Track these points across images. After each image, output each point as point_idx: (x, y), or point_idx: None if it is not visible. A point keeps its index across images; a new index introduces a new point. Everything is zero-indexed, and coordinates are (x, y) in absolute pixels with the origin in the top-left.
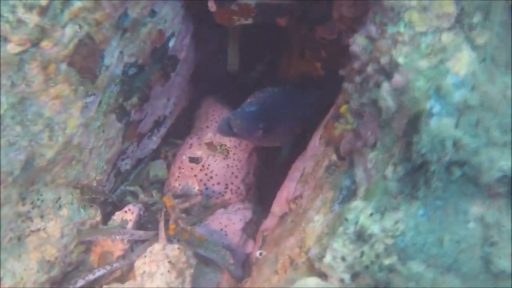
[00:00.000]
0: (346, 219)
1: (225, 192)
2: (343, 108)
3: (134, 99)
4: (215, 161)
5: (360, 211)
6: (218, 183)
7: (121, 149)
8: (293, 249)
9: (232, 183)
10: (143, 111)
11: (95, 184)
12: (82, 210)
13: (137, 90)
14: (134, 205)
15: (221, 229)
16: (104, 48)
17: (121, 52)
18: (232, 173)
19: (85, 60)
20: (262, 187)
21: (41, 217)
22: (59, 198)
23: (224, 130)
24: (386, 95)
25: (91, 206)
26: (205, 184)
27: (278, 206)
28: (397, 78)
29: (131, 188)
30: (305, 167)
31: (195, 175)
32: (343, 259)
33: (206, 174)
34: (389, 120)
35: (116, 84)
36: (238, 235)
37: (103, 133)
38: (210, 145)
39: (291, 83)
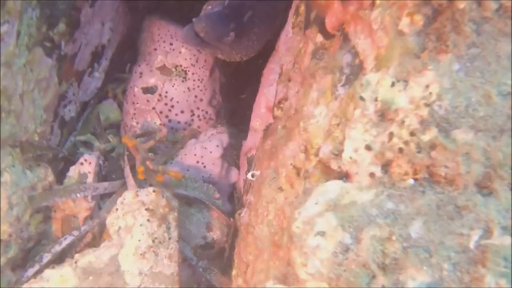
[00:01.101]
0: (362, 98)
1: (192, 120)
2: None
3: (61, 26)
4: (173, 87)
5: (378, 84)
6: (182, 111)
7: (59, 92)
8: (296, 155)
9: (198, 108)
10: (76, 42)
11: (37, 139)
12: (28, 172)
13: (62, 14)
14: (90, 155)
15: (197, 162)
16: None
17: None
18: (196, 96)
19: None
20: (232, 105)
21: None
22: None
23: (190, 37)
24: None
25: (39, 165)
26: (167, 116)
27: (258, 119)
28: None
29: (82, 138)
30: (282, 65)
31: (153, 108)
32: (368, 147)
33: (165, 104)
34: None
35: (34, 7)
36: (218, 164)
37: (32, 73)
38: (163, 69)
39: None
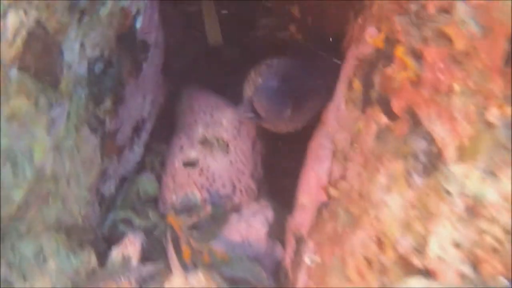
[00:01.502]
0: (448, 192)
1: (234, 193)
2: (400, 51)
3: (107, 103)
4: (214, 160)
5: (465, 177)
6: (224, 185)
7: (101, 169)
8: (367, 246)
9: (239, 182)
10: (119, 117)
11: (81, 221)
12: (72, 257)
13: (109, 91)
14: (133, 235)
15: (242, 239)
16: (61, 40)
17: (82, 45)
18: (238, 169)
19: (41, 60)
20: (274, 178)
21: (24, 278)
22: (41, 249)
23: (248, 116)
24: (465, 16)
25: (82, 249)
26: (208, 190)
27: (307, 196)
28: None
29: (122, 215)
30: (336, 142)
31: (194, 182)
32: (457, 245)
33: (207, 178)
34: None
35: (83, 87)
36: (264, 241)
37: (79, 154)
38: (204, 142)
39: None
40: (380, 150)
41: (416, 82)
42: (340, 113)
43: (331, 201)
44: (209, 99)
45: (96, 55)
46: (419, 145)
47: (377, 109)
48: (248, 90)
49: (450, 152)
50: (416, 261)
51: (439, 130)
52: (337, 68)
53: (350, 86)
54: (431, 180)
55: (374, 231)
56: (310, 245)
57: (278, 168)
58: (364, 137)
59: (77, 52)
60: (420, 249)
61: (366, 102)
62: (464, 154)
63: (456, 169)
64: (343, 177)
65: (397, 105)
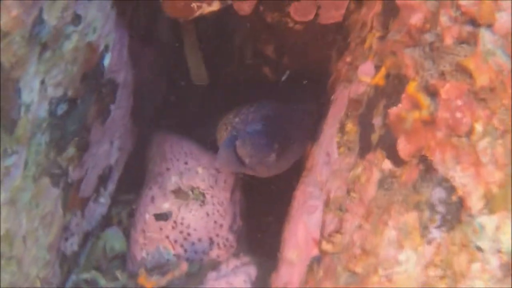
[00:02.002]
0: (479, 248)
1: (211, 249)
2: (412, 88)
3: (71, 150)
4: (189, 212)
5: (497, 230)
6: (200, 240)
7: (63, 225)
8: None
9: (217, 235)
10: (84, 165)
11: (39, 286)
12: None
13: (73, 136)
14: None
15: None
16: (19, 77)
17: (42, 83)
18: (215, 222)
19: None
20: (255, 230)
21: None
22: None
23: (231, 162)
24: (491, 46)
25: None
26: (182, 245)
27: (295, 251)
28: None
29: (86, 276)
30: (328, 191)
31: (167, 236)
32: None
33: (181, 232)
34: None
35: (43, 131)
36: None
37: (38, 209)
38: (178, 192)
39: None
40: (385, 200)
41: (430, 123)
42: (331, 160)
43: (325, 257)
44: (183, 145)
45: (58, 95)
46: (435, 193)
47: (380, 154)
48: (225, 134)
49: (474, 201)
50: None
51: (459, 176)
52: (316, 111)
53: (342, 129)
54: (456, 234)
55: None
56: None
57: (259, 220)
58: (364, 185)
59: (36, 91)
60: None
61: (364, 147)
62: (493, 203)
63: (486, 221)
64: (338, 230)
65: (405, 149)
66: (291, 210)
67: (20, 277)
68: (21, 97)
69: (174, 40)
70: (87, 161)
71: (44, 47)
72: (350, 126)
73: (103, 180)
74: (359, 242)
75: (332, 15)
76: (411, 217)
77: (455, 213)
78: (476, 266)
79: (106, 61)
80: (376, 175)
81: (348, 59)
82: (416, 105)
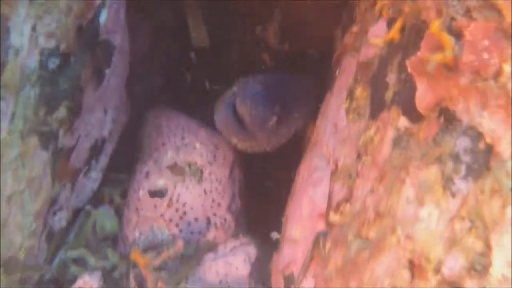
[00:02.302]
0: None
1: (208, 229)
2: (435, 27)
3: (62, 111)
4: (186, 189)
5: None
6: (196, 219)
7: (51, 195)
8: (397, 273)
9: (215, 215)
10: (75, 132)
11: (23, 256)
12: None
13: (64, 96)
14: (90, 276)
15: (220, 281)
16: (7, 15)
17: (33, 29)
18: (213, 200)
19: None
20: (254, 209)
21: None
22: None
23: (229, 123)
24: None
25: None
26: (177, 225)
27: (299, 228)
28: None
29: (74, 254)
30: (336, 160)
31: (161, 215)
32: None
33: (177, 210)
34: None
35: (33, 84)
36: (245, 284)
37: (24, 169)
38: (174, 167)
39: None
40: (401, 159)
41: (452, 68)
42: (339, 128)
43: (333, 229)
44: (179, 120)
45: (50, 47)
46: (459, 143)
47: (395, 112)
48: (223, 100)
49: (505, 146)
50: (472, 284)
51: (486, 122)
52: (317, 85)
53: (351, 95)
54: (486, 182)
55: (405, 253)
56: (308, 283)
57: (258, 198)
58: (377, 146)
59: (27, 36)
60: (479, 269)
61: (377, 107)
62: None
63: None
64: (348, 198)
65: (423, 103)
66: (295, 186)
67: (4, 244)
68: (10, 38)
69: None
70: (78, 128)
71: None
72: (359, 90)
73: (95, 152)
74: (372, 206)
75: None
76: (432, 171)
77: (483, 160)
78: (510, 210)
79: (102, 18)
80: (390, 134)
81: (355, 29)
82: (439, 47)
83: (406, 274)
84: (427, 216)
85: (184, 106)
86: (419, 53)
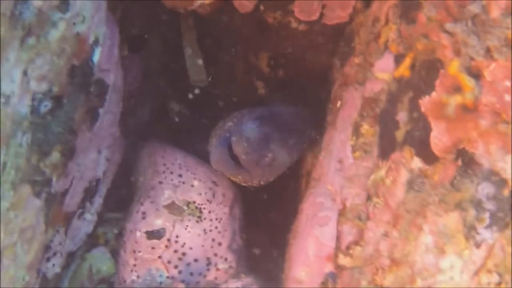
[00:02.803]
0: None
1: (208, 270)
2: (454, 68)
3: (55, 156)
4: (185, 229)
5: None
6: (196, 260)
7: (44, 242)
8: None
9: (215, 255)
10: (68, 175)
11: None
12: None
13: (57, 140)
14: None
15: None
16: None
17: (25, 73)
18: (213, 240)
19: None
20: (255, 248)
21: None
22: None
23: (224, 161)
24: None
25: None
26: (176, 266)
27: (305, 269)
28: None
29: None
30: (344, 199)
31: (160, 256)
32: None
33: (175, 251)
34: None
35: (25, 131)
36: None
37: (17, 220)
38: (172, 207)
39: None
40: (416, 202)
41: (471, 110)
42: (345, 166)
43: (343, 273)
44: (176, 156)
45: (42, 90)
46: (482, 189)
47: (408, 153)
48: (218, 136)
49: None
50: None
51: (510, 168)
52: (315, 118)
53: (356, 132)
54: None
55: None
56: None
57: (258, 236)
58: (390, 188)
59: (18, 82)
60: None
61: (387, 146)
62: None
63: None
64: (358, 241)
65: (439, 145)
66: (298, 225)
67: None
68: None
69: (166, 48)
70: (72, 170)
71: (28, 32)
72: (366, 127)
73: (89, 193)
74: (386, 252)
75: (338, 15)
76: (452, 219)
77: (508, 209)
78: None
79: (96, 57)
80: (404, 176)
81: (357, 60)
82: (457, 88)
83: None
84: (449, 267)
85: (176, 140)
86: (434, 94)
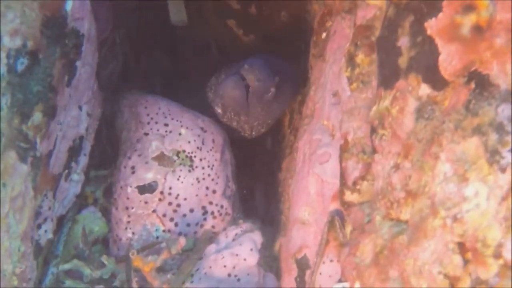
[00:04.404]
0: None
1: (204, 219)
2: None
3: (37, 116)
4: (177, 180)
5: None
6: (191, 210)
7: (35, 209)
8: (445, 259)
9: (210, 203)
10: (51, 136)
11: (16, 283)
12: None
13: (38, 99)
14: None
15: (229, 274)
16: None
17: None
18: (207, 187)
19: None
20: (248, 192)
21: None
22: None
23: (239, 88)
24: None
25: None
26: (172, 219)
27: (306, 208)
28: None
29: (66, 266)
30: (345, 134)
31: (154, 211)
32: None
33: (170, 204)
34: None
35: (3, 92)
36: (255, 274)
37: (5, 190)
38: (161, 158)
39: None
40: (428, 130)
41: (485, 29)
42: (342, 99)
43: (351, 210)
44: (159, 105)
45: (16, 46)
46: (502, 111)
47: (414, 80)
48: (214, 84)
49: None
50: None
51: None
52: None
53: (351, 62)
54: None
55: (454, 237)
56: (328, 267)
57: (252, 178)
58: (397, 118)
59: None
60: None
61: (390, 75)
62: None
63: None
64: (364, 175)
65: (449, 68)
66: (296, 164)
67: None
68: None
69: None
70: (54, 130)
71: None
72: (361, 57)
73: (74, 153)
74: (399, 185)
75: None
76: (471, 144)
77: None
78: None
79: (68, 5)
80: (411, 104)
81: None
82: (469, 7)
83: (457, 259)
84: (474, 195)
85: (155, 89)
86: (441, 15)
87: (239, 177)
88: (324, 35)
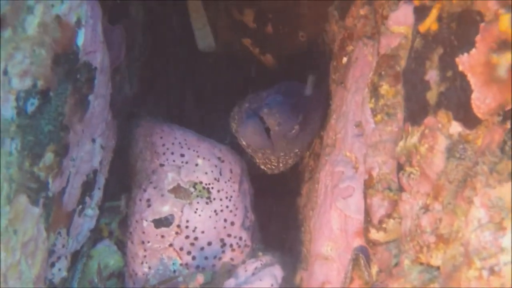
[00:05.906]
0: None
1: (223, 251)
2: (504, 23)
3: (49, 157)
4: (195, 212)
5: None
6: (209, 243)
7: (48, 249)
8: None
9: (229, 236)
10: (64, 173)
11: None
12: None
13: (49, 139)
14: None
15: None
16: None
17: (5, 72)
18: (225, 220)
19: None
20: (268, 223)
21: None
22: None
23: (258, 133)
24: None
25: None
26: (189, 252)
27: (329, 244)
28: None
29: None
30: (370, 168)
31: (171, 244)
32: None
33: (187, 237)
34: None
35: (13, 136)
36: None
37: (17, 236)
38: (177, 190)
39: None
40: (460, 171)
41: None
42: (366, 131)
43: (377, 249)
44: (175, 134)
45: (26, 87)
46: None
47: (444, 117)
48: (240, 114)
49: None
50: None
51: None
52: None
53: (375, 93)
54: None
55: None
56: None
57: (271, 210)
58: (426, 157)
59: None
60: None
61: (418, 110)
62: None
63: None
64: (390, 214)
65: (483, 106)
66: (317, 196)
67: None
68: None
69: (147, 14)
70: (67, 167)
71: (2, 23)
72: (386, 87)
73: (88, 187)
74: (429, 228)
75: None
76: (508, 190)
77: None
78: None
79: (80, 40)
80: (442, 143)
81: (363, 11)
82: (503, 44)
83: None
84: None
85: (169, 116)
86: (474, 51)
87: (257, 202)
88: (345, 60)
